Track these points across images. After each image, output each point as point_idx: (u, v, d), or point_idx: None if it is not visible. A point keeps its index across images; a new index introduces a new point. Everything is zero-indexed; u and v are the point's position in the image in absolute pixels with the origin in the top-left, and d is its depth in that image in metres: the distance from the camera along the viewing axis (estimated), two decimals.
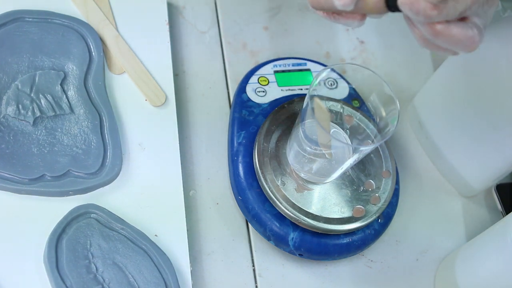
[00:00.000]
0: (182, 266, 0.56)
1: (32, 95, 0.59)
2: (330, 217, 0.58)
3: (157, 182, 0.59)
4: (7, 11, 0.62)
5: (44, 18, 0.63)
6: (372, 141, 0.58)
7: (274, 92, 0.65)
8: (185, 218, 0.58)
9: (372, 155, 0.62)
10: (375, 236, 0.60)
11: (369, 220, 0.58)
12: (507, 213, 0.64)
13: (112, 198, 0.58)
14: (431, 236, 0.65)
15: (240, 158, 0.61)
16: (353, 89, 0.65)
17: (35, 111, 0.59)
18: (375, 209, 0.59)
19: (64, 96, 0.60)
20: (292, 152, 0.58)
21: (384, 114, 0.56)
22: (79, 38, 0.63)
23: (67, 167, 0.57)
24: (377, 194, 0.60)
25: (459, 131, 0.63)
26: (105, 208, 0.56)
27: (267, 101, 0.64)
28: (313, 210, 0.58)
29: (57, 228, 0.54)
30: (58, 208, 0.56)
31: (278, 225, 0.58)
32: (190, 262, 0.56)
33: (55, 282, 0.52)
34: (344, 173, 0.59)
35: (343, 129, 0.60)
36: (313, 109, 0.51)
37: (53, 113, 0.59)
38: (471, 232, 0.65)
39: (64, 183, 0.56)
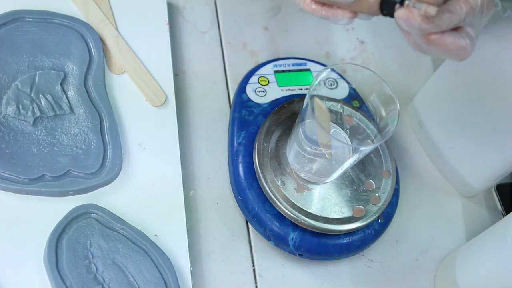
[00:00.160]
0: (182, 266, 0.56)
1: (32, 95, 0.59)
2: (330, 217, 0.58)
3: (157, 182, 0.59)
4: (7, 11, 0.62)
5: (44, 18, 0.63)
6: (372, 141, 0.58)
7: (274, 92, 0.65)
8: (185, 218, 0.58)
9: (372, 155, 0.62)
10: (375, 236, 0.60)
11: (369, 220, 0.58)
12: (507, 213, 0.64)
13: (112, 198, 0.58)
14: (431, 236, 0.65)
15: (240, 158, 0.61)
16: (353, 89, 0.65)
17: (35, 111, 0.59)
18: (375, 209, 0.59)
19: (64, 96, 0.60)
20: (292, 152, 0.58)
21: (384, 114, 0.56)
22: (79, 38, 0.63)
23: (67, 167, 0.57)
24: (377, 194, 0.60)
25: (459, 131, 0.63)
26: (105, 208, 0.56)
27: (267, 101, 0.64)
28: (313, 210, 0.58)
29: (57, 228, 0.54)
30: (58, 208, 0.56)
31: (278, 225, 0.58)
32: (190, 262, 0.56)
33: (55, 282, 0.52)
34: (344, 173, 0.59)
35: (343, 129, 0.60)
36: (313, 109, 0.51)
37: (53, 113, 0.59)
38: (471, 232, 0.65)
39: (64, 183, 0.56)
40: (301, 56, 0.68)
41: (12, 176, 0.56)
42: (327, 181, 0.59)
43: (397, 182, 0.62)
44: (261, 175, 0.58)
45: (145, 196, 0.58)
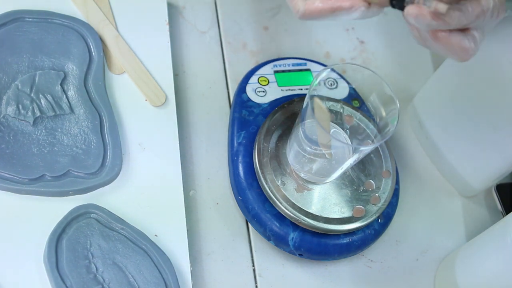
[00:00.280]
0: (182, 266, 0.56)
1: (32, 95, 0.59)
2: (330, 217, 0.58)
3: (157, 182, 0.59)
4: (7, 11, 0.62)
5: (44, 18, 0.63)
6: (372, 141, 0.58)
7: (274, 92, 0.65)
8: (185, 218, 0.58)
9: (372, 155, 0.62)
10: (375, 236, 0.60)
11: (369, 220, 0.58)
12: (507, 213, 0.64)
13: (112, 198, 0.58)
14: (431, 236, 0.65)
15: (240, 158, 0.61)
16: (353, 89, 0.65)
17: (35, 111, 0.59)
18: (375, 209, 0.59)
19: (64, 96, 0.60)
20: (292, 152, 0.58)
21: (384, 114, 0.56)
22: (79, 38, 0.63)
23: (67, 167, 0.57)
24: (377, 194, 0.60)
25: (459, 131, 0.63)
26: (105, 208, 0.56)
27: (267, 101, 0.64)
28: (313, 210, 0.58)
29: (57, 228, 0.54)
30: (58, 208, 0.56)
31: (278, 225, 0.58)
32: (190, 262, 0.56)
33: (55, 282, 0.52)
34: (344, 173, 0.59)
35: (343, 129, 0.60)
36: (313, 109, 0.51)
37: (53, 113, 0.59)
38: (471, 232, 0.65)
39: (64, 183, 0.56)
40: (301, 56, 0.68)
41: (12, 176, 0.56)
42: (327, 181, 0.59)
43: (397, 182, 0.62)
44: (261, 175, 0.58)
45: (145, 196, 0.58)
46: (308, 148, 0.56)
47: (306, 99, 0.53)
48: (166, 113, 0.63)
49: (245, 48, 0.70)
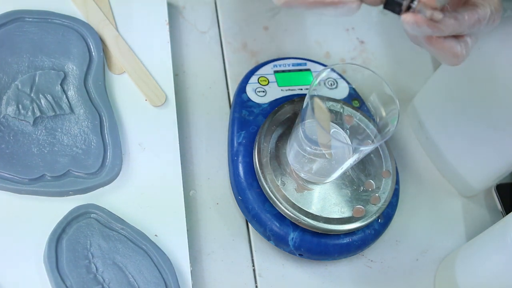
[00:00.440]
0: (182, 266, 0.56)
1: (32, 95, 0.59)
2: (330, 217, 0.58)
3: (157, 182, 0.59)
4: (7, 11, 0.62)
5: (44, 18, 0.63)
6: (372, 141, 0.58)
7: (274, 92, 0.65)
8: (185, 218, 0.58)
9: (372, 155, 0.62)
10: (375, 236, 0.60)
11: (369, 220, 0.58)
12: (507, 213, 0.64)
13: (112, 198, 0.58)
14: (431, 236, 0.65)
15: (240, 158, 0.61)
16: (353, 89, 0.65)
17: (35, 111, 0.59)
18: (375, 209, 0.59)
19: (64, 96, 0.60)
20: (292, 152, 0.58)
21: (384, 114, 0.56)
22: (79, 38, 0.63)
23: (67, 167, 0.57)
24: (377, 194, 0.60)
25: (459, 131, 0.63)
26: (105, 208, 0.56)
27: (267, 101, 0.64)
28: (313, 210, 0.58)
29: (57, 228, 0.54)
30: (58, 208, 0.56)
31: (278, 225, 0.58)
32: (190, 262, 0.56)
33: (55, 282, 0.52)
34: (344, 173, 0.59)
35: (343, 129, 0.60)
36: (313, 109, 0.52)
37: (53, 113, 0.59)
38: (471, 232, 0.65)
39: (64, 183, 0.56)
40: (301, 56, 0.68)
41: (12, 176, 0.56)
42: (327, 181, 0.59)
43: (397, 182, 0.62)
44: (261, 175, 0.58)
45: (145, 196, 0.58)
46: (308, 148, 0.56)
47: (306, 99, 0.53)
48: (166, 113, 0.63)
49: (245, 48, 0.70)
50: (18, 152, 0.57)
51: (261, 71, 0.66)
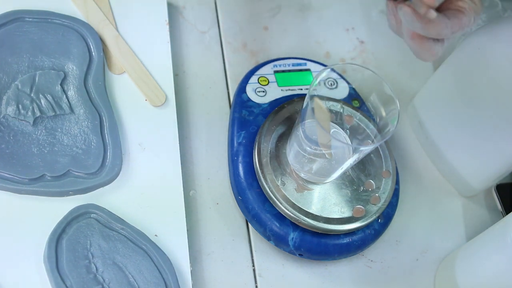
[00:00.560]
0: (182, 266, 0.56)
1: (32, 95, 0.59)
2: (330, 217, 0.58)
3: (157, 182, 0.59)
4: (7, 11, 0.62)
5: (44, 18, 0.63)
6: (372, 141, 0.58)
7: (274, 92, 0.65)
8: (185, 218, 0.58)
9: (372, 155, 0.62)
10: (375, 236, 0.60)
11: (369, 220, 0.59)
12: (507, 213, 0.64)
13: (112, 198, 0.58)
14: (431, 236, 0.65)
15: (240, 158, 0.61)
16: (353, 89, 0.65)
17: (35, 111, 0.59)
18: (375, 209, 0.59)
19: (64, 96, 0.60)
20: (292, 152, 0.58)
21: (384, 114, 0.56)
22: (79, 38, 0.63)
23: (67, 167, 0.57)
24: (377, 194, 0.60)
25: (459, 131, 0.63)
26: (105, 208, 0.56)
27: (267, 101, 0.64)
28: (313, 210, 0.58)
29: (57, 228, 0.54)
30: (58, 208, 0.56)
31: (278, 225, 0.58)
32: (190, 262, 0.56)
33: (55, 282, 0.52)
34: (344, 173, 0.59)
35: (343, 129, 0.60)
36: (313, 109, 0.52)
37: (53, 113, 0.59)
38: (471, 232, 0.65)
39: (64, 183, 0.56)
40: (301, 56, 0.68)
41: (12, 176, 0.56)
42: (327, 181, 0.59)
43: (397, 182, 0.62)
44: (261, 175, 0.58)
45: (145, 196, 0.58)
46: (308, 148, 0.56)
47: (306, 99, 0.53)
48: (166, 113, 0.63)
49: (245, 48, 0.70)
50: (18, 152, 0.57)
51: (261, 71, 0.66)
